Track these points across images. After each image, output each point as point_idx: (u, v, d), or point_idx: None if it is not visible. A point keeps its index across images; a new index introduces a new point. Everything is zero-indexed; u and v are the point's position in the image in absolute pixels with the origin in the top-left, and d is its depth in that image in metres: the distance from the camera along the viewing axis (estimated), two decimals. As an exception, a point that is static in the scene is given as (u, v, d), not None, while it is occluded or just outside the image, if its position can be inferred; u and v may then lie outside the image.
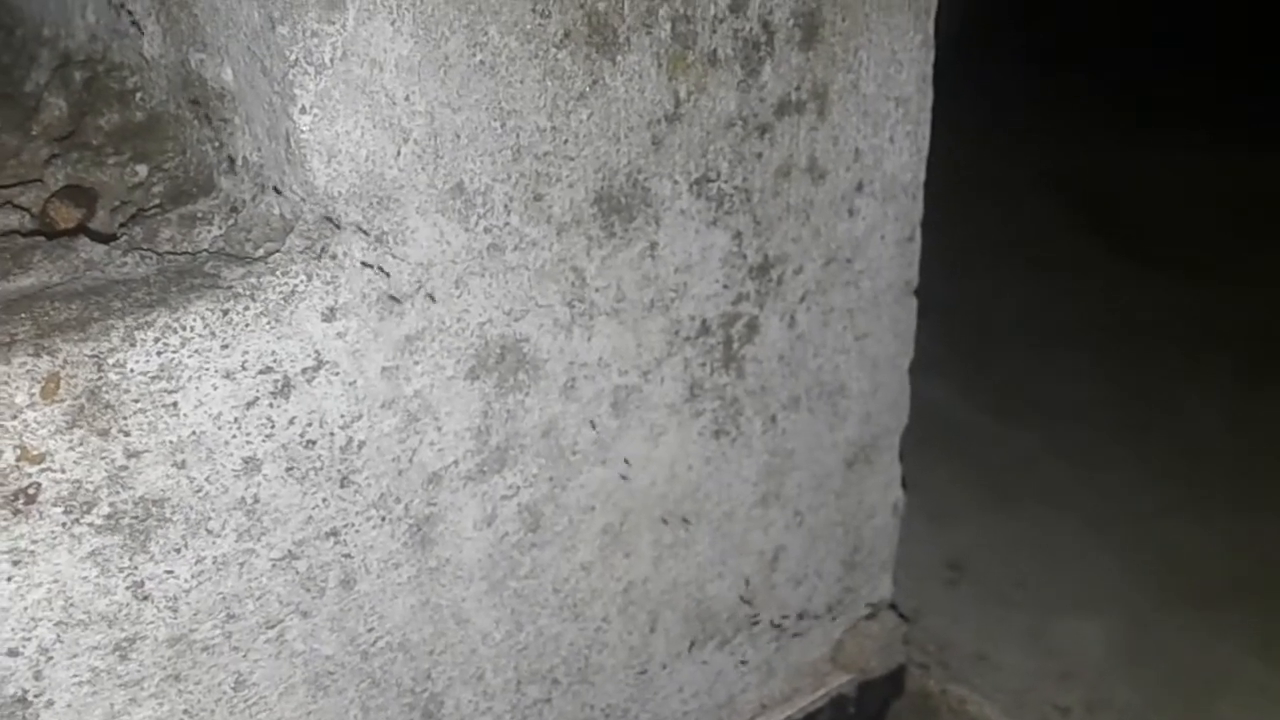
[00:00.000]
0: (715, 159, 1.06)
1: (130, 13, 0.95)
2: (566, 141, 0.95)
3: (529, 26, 0.89)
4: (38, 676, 0.83)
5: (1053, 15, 3.61)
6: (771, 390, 1.23)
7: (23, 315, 0.78)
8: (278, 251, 0.85)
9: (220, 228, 0.88)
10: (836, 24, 1.07)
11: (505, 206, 0.94)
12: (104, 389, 0.79)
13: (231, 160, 0.90)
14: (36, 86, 1.07)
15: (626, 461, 1.14)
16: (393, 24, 0.82)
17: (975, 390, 2.13)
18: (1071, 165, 3.03)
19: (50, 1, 1.06)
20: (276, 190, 0.86)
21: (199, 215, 0.89)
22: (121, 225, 0.90)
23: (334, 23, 0.80)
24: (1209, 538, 1.79)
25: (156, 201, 0.91)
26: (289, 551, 0.92)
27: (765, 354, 1.20)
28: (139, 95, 0.98)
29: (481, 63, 0.87)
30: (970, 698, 1.54)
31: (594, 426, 1.09)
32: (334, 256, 0.86)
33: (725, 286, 1.13)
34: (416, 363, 0.94)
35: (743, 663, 1.37)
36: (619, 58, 0.95)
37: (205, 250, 0.86)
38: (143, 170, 0.94)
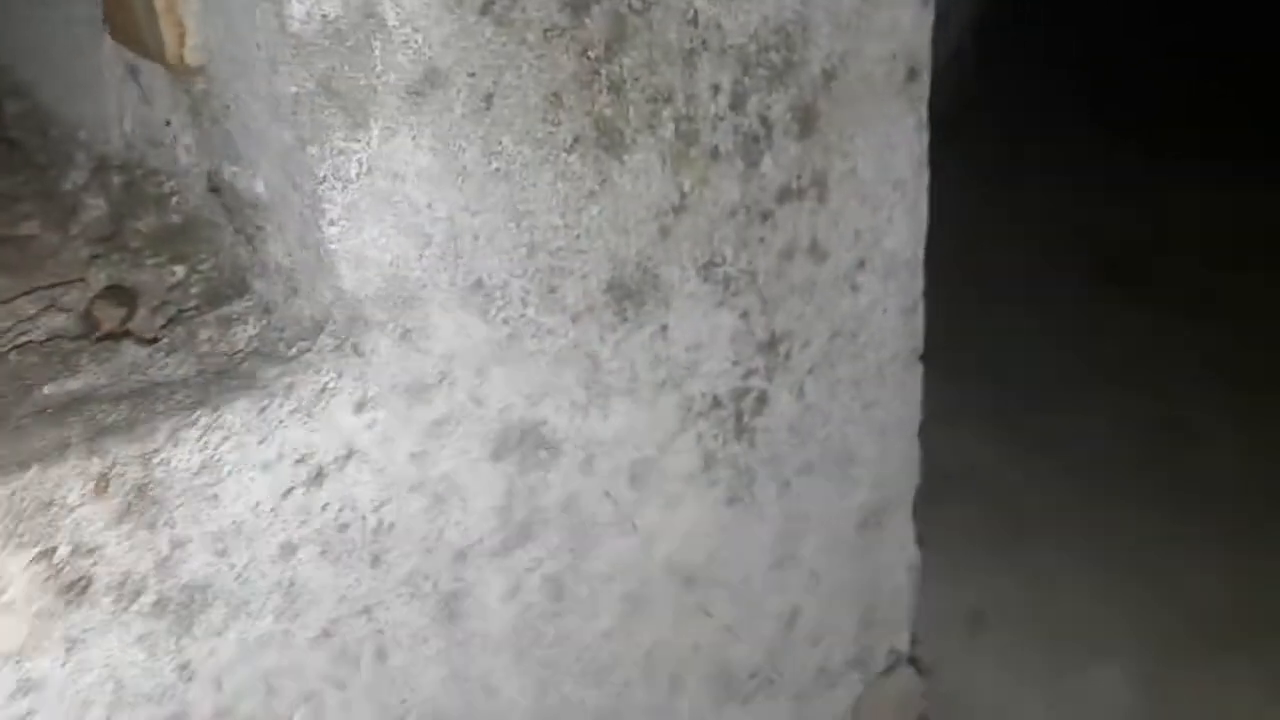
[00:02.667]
0: (720, 245, 1.11)
1: (168, 123, 1.03)
2: (579, 236, 1.01)
3: (540, 134, 0.95)
4: (91, 755, 0.89)
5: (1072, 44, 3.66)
6: (783, 459, 1.28)
7: (74, 418, 0.85)
8: (310, 351, 0.91)
9: (255, 328, 0.94)
10: (832, 115, 1.13)
11: (522, 299, 1.00)
12: (150, 485, 0.85)
13: (264, 264, 0.96)
14: (74, 187, 1.14)
15: (643, 531, 1.19)
16: (413, 139, 0.89)
17: (997, 439, 2.17)
18: (1084, 210, 3.07)
19: (87, 107, 1.14)
20: (307, 293, 0.93)
21: (235, 316, 0.95)
22: (162, 326, 0.96)
23: (359, 140, 0.86)
24: (1228, 579, 1.81)
25: (194, 302, 0.98)
26: (324, 629, 0.98)
27: (776, 424, 1.25)
28: (175, 200, 1.05)
29: (497, 170, 0.94)
30: (990, 751, 1.56)
31: (612, 499, 1.15)
32: (362, 354, 0.92)
33: (735, 363, 1.18)
34: (442, 447, 1.00)
35: (764, 722, 1.40)
36: (626, 157, 1.01)
37: (241, 350, 0.92)
38: (180, 271, 1.01)
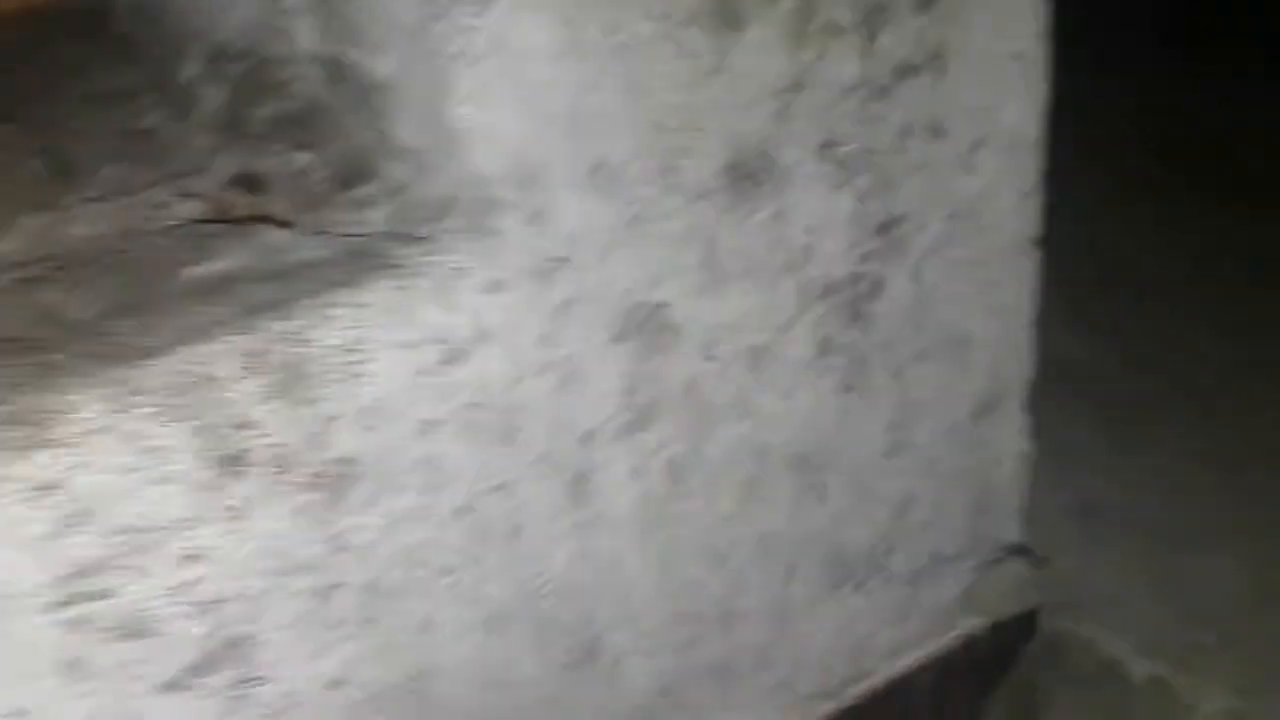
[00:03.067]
0: (838, 124, 1.11)
1: (285, 10, 1.04)
2: (697, 115, 1.01)
3: (659, 9, 0.95)
4: (253, 620, 0.94)
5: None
6: (898, 344, 1.28)
7: (224, 297, 0.88)
8: (442, 231, 0.93)
9: (386, 210, 0.97)
10: (952, -16, 1.10)
11: (643, 180, 1.01)
12: (300, 362, 0.88)
13: (391, 147, 0.98)
14: (191, 78, 1.15)
15: (760, 416, 1.20)
16: (537, 15, 0.89)
17: (1096, 338, 2.13)
18: (1185, 111, 2.96)
19: (199, -3, 1.15)
20: (436, 174, 0.94)
21: (366, 199, 0.98)
22: (296, 211, 0.99)
23: (485, 17, 0.87)
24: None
25: (324, 187, 1.00)
26: (463, 505, 1.01)
27: (891, 310, 1.25)
28: (295, 86, 1.06)
29: (617, 46, 0.94)
30: (1102, 638, 1.56)
31: (731, 384, 1.16)
32: (492, 234, 0.94)
33: (852, 246, 1.18)
34: (568, 329, 1.02)
35: (877, 606, 1.42)
36: (744, 33, 1.01)
37: (376, 231, 0.95)
38: (305, 157, 1.02)
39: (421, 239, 0.93)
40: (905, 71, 1.12)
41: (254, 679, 0.96)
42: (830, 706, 1.41)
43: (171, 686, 0.91)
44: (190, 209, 1.01)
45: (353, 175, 1.00)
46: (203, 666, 0.93)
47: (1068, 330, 2.06)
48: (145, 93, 1.16)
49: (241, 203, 1.00)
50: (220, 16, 1.12)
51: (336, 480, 0.93)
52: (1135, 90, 3.03)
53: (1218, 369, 2.05)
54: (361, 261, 0.92)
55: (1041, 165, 1.29)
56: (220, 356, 0.86)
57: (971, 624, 1.51)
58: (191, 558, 0.90)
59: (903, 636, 1.46)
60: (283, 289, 0.89)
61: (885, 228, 1.20)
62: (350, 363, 0.90)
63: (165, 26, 1.22)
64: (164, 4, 1.23)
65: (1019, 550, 1.56)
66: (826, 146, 1.11)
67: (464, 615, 1.05)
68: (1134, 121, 2.92)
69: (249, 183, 1.02)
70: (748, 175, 1.07)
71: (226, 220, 0.99)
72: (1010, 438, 1.47)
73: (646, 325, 1.07)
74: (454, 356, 0.96)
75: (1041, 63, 1.22)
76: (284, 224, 0.96)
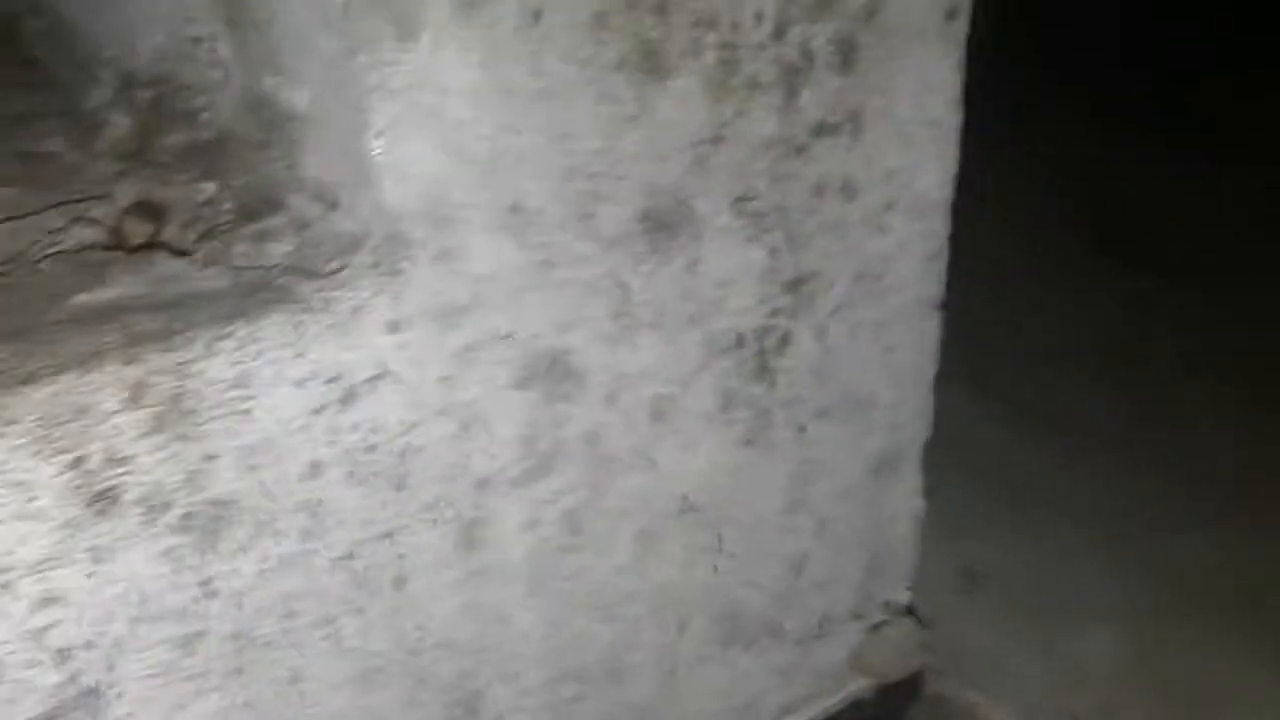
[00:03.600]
0: (754, 179, 1.10)
1: (201, 38, 1.00)
2: (617, 162, 0.99)
3: (585, 54, 0.93)
4: (110, 668, 0.87)
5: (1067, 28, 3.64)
6: (802, 401, 1.27)
7: (110, 326, 0.83)
8: (347, 267, 0.89)
9: (291, 244, 0.92)
10: (872, 50, 1.11)
11: (559, 224, 0.98)
12: (185, 396, 0.83)
13: (301, 179, 0.94)
14: (99, 104, 1.10)
15: (661, 468, 1.18)
16: (461, 53, 0.86)
17: (990, 402, 2.17)
18: (1085, 180, 3.06)
19: (114, 22, 1.10)
20: (346, 209, 0.90)
21: (270, 232, 0.93)
22: (195, 240, 0.94)
23: (408, 52, 0.84)
24: (1219, 551, 1.82)
25: (228, 218, 0.96)
26: (347, 552, 0.96)
27: (797, 366, 1.24)
28: (205, 115, 1.02)
29: (541, 89, 0.92)
30: (985, 704, 1.58)
31: (633, 434, 1.13)
32: (399, 272, 0.90)
33: (761, 301, 1.17)
34: (472, 372, 0.98)
35: (767, 666, 1.40)
36: (668, 83, 0.99)
37: (278, 265, 0.90)
38: (211, 188, 0.98)
39: (325, 275, 0.89)
40: (822, 130, 1.12)
41: (108, 733, 0.89)
42: (715, 767, 1.38)
43: (16, 740, 0.84)
44: (85, 235, 0.95)
45: (259, 207, 0.96)
46: (53, 718, 0.86)
47: (960, 395, 2.09)
48: (50, 117, 1.11)
49: (139, 231, 0.95)
50: (133, 43, 1.06)
51: (211, 522, 0.87)
52: (1057, 161, 3.13)
53: (1105, 437, 2.11)
54: (258, 295, 0.87)
55: (948, 230, 1.30)
56: (101, 387, 0.80)
57: (859, 686, 1.50)
58: (48, 600, 0.83)
59: (791, 697, 1.44)
60: (172, 320, 0.84)
61: (794, 284, 1.19)
62: (237, 398, 0.85)
63: (75, 52, 1.16)
64: (75, 29, 1.17)
65: (907, 612, 1.57)
66: (742, 200, 1.10)
67: (338, 669, 1.00)
68: (1049, 192, 3.01)
69: (148, 211, 0.97)
70: (663, 225, 1.05)
71: (122, 248, 0.94)
72: (905, 497, 1.47)
73: (552, 372, 1.04)
74: (349, 396, 0.91)
75: (955, 129, 1.23)
76: (180, 253, 0.91)
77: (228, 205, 0.93)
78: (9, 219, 0.93)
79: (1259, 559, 1.82)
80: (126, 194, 0.95)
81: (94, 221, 0.92)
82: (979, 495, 1.95)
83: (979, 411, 2.16)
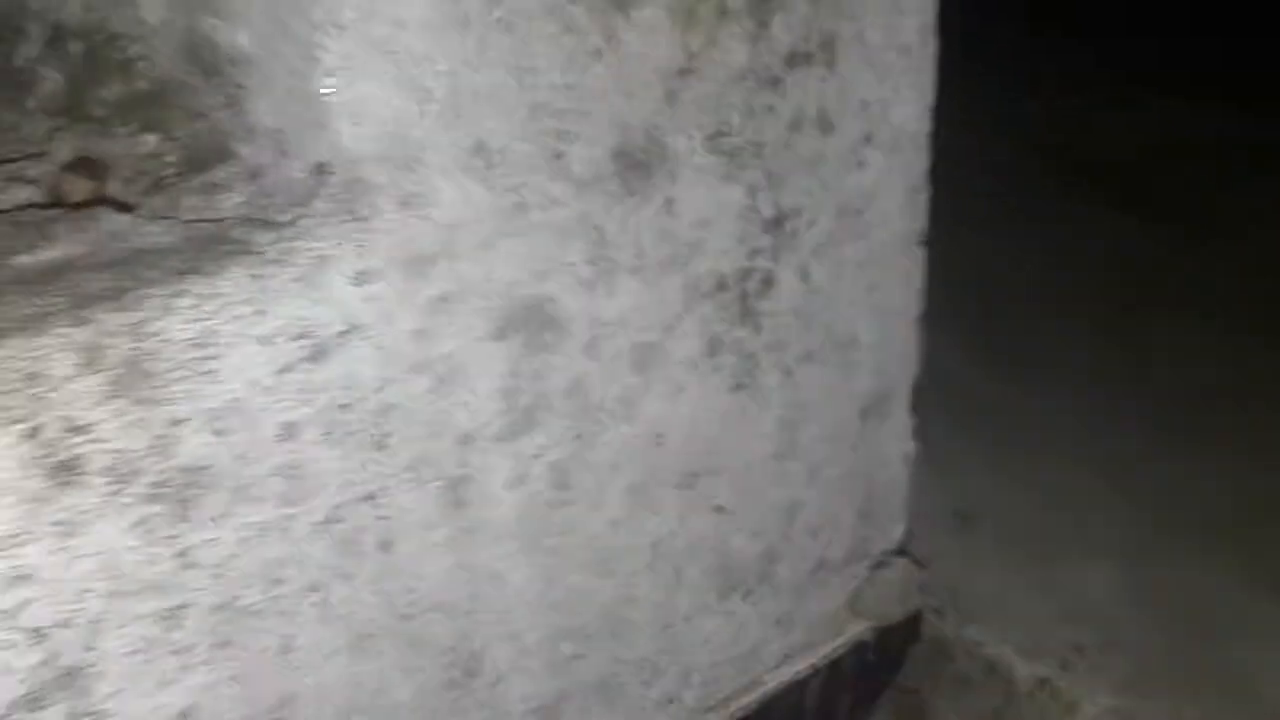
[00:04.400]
0: (728, 113, 1.06)
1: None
2: (584, 98, 0.96)
3: (545, -17, 0.89)
4: (89, 647, 0.84)
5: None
6: (787, 344, 1.24)
7: (55, 287, 0.79)
8: (306, 216, 0.85)
9: (243, 194, 0.88)
10: (842, -27, 1.07)
11: (527, 165, 0.94)
12: (142, 358, 0.79)
13: (249, 126, 0.90)
14: (28, 60, 1.05)
15: (647, 419, 1.15)
16: (413, -17, 0.82)
17: (977, 345, 2.15)
18: (1064, 124, 3.04)
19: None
20: (299, 154, 0.86)
21: (219, 182, 0.89)
22: (140, 194, 0.90)
23: (355, -17, 0.80)
24: (1213, 479, 1.81)
25: (173, 170, 0.91)
26: (329, 516, 0.93)
27: (781, 308, 1.21)
28: (142, 64, 0.98)
29: (499, 20, 0.88)
30: (986, 640, 1.56)
31: (617, 384, 1.10)
32: (362, 219, 0.87)
33: (740, 241, 1.14)
34: (446, 324, 0.95)
35: (765, 614, 1.38)
36: (632, 13, 0.95)
37: (230, 217, 0.86)
38: (153, 140, 0.94)
39: (283, 224, 0.85)
40: (795, 60, 1.08)
41: (92, 713, 0.86)
42: (719, 718, 1.36)
43: (-6, 725, 0.81)
44: (22, 194, 0.91)
45: (206, 157, 0.91)
46: (33, 700, 0.83)
47: (947, 336, 2.07)
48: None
49: (80, 187, 0.90)
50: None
51: (183, 490, 0.84)
52: (1040, 102, 3.10)
53: (1092, 374, 2.09)
54: (213, 249, 0.83)
55: (928, 162, 1.27)
56: (51, 351, 0.76)
57: (858, 629, 1.48)
58: (18, 578, 0.79)
59: (791, 644, 1.42)
60: (122, 278, 0.80)
61: (775, 223, 1.16)
62: (199, 359, 0.82)
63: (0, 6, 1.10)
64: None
65: (902, 554, 1.55)
66: (716, 136, 1.07)
67: (329, 636, 0.97)
68: (1030, 133, 2.98)
69: (88, 167, 0.92)
70: (636, 164, 1.02)
71: (62, 205, 0.89)
72: (896, 439, 1.45)
73: (530, 321, 1.01)
74: (319, 353, 0.88)
75: (930, 58, 1.20)
76: (126, 208, 0.87)
77: (172, 157, 0.89)
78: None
79: (1252, 483, 1.81)
80: (63, 150, 0.90)
81: (30, 181, 0.88)
82: (969, 436, 1.93)
83: (965, 355, 2.14)
